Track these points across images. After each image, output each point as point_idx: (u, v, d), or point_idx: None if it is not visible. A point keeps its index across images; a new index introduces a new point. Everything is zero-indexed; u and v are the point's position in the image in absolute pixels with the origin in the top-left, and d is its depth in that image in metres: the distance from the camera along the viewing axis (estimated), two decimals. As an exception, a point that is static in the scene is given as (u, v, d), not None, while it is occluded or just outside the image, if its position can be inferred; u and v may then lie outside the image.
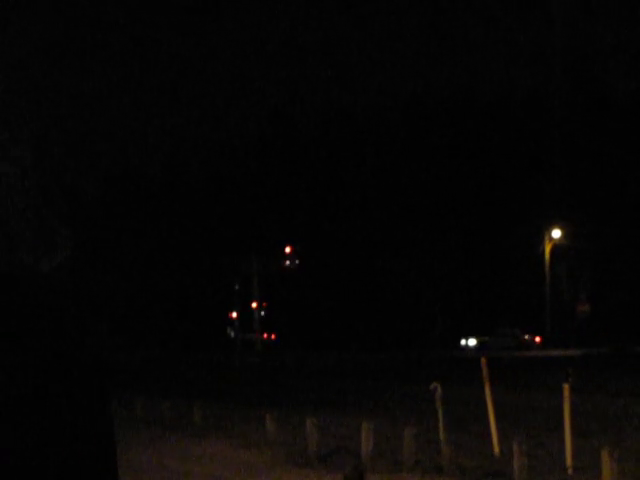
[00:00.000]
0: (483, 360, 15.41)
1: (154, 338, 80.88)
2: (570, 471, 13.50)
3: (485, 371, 15.32)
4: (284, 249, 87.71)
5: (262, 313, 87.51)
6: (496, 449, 15.07)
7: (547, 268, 75.44)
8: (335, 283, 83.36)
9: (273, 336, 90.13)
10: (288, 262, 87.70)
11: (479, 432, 16.98)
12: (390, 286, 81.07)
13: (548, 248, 75.08)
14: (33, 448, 1.32)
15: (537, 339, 72.76)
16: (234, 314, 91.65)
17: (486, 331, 73.98)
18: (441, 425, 15.13)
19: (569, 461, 13.58)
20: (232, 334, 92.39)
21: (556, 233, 75.06)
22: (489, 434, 15.30)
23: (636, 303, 75.07)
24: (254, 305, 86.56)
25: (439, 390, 15.17)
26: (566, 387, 13.80)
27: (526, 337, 72.45)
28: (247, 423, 20.04)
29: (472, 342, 73.80)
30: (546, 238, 75.09)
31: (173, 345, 78.37)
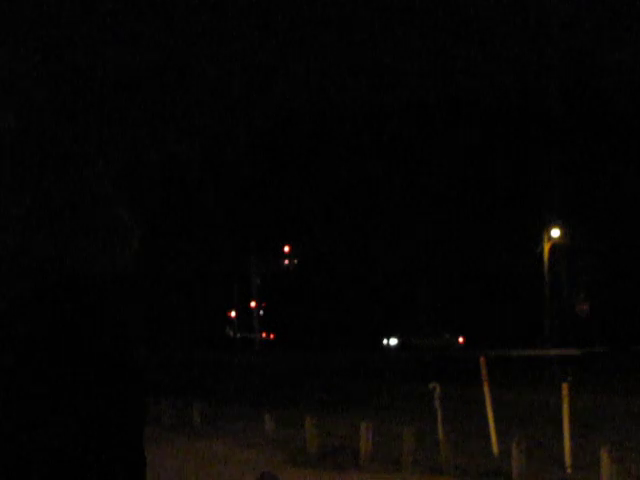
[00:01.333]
0: (482, 359, 15.40)
1: (152, 337, 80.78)
2: (569, 470, 13.49)
3: (484, 371, 15.31)
4: (283, 249, 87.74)
5: (261, 312, 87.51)
6: (495, 448, 15.06)
7: (546, 267, 75.42)
8: (334, 283, 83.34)
9: (272, 336, 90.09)
10: (287, 262, 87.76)
11: (478, 431, 16.98)
12: (389, 285, 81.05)
13: (547, 247, 75.06)
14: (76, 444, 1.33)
15: (460, 339, 70.43)
16: (233, 313, 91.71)
17: (408, 330, 71.71)
18: (440, 425, 15.13)
19: (568, 460, 13.58)
20: (231, 333, 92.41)
21: (555, 232, 75.02)
22: (488, 433, 15.29)
23: (635, 302, 75.06)
24: (253, 304, 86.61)
25: (438, 389, 15.17)
26: (565, 386, 13.80)
27: (447, 336, 70.02)
28: (246, 423, 20.02)
29: (393, 342, 71.39)
30: (545, 237, 75.06)
31: (171, 344, 78.29)
